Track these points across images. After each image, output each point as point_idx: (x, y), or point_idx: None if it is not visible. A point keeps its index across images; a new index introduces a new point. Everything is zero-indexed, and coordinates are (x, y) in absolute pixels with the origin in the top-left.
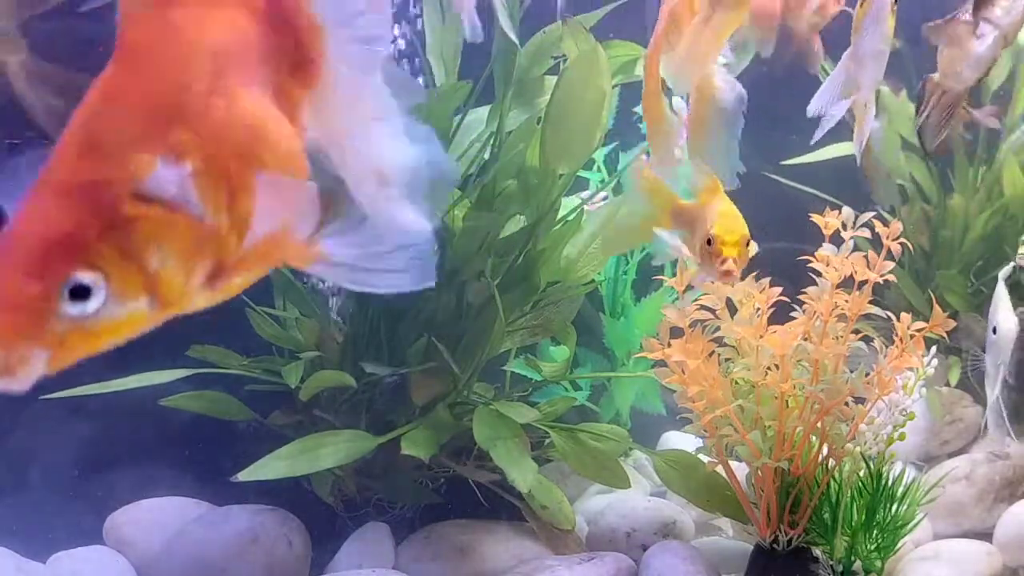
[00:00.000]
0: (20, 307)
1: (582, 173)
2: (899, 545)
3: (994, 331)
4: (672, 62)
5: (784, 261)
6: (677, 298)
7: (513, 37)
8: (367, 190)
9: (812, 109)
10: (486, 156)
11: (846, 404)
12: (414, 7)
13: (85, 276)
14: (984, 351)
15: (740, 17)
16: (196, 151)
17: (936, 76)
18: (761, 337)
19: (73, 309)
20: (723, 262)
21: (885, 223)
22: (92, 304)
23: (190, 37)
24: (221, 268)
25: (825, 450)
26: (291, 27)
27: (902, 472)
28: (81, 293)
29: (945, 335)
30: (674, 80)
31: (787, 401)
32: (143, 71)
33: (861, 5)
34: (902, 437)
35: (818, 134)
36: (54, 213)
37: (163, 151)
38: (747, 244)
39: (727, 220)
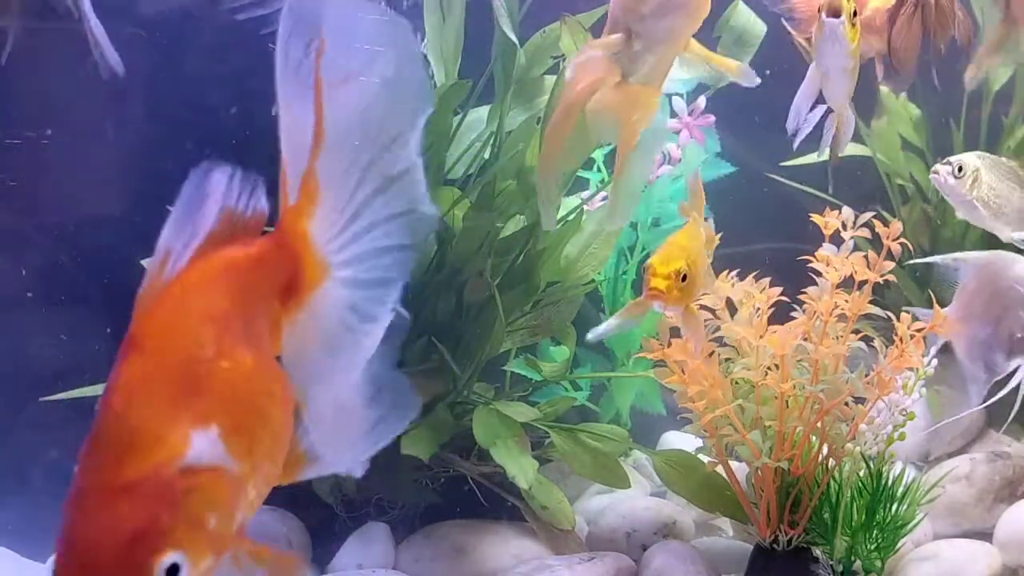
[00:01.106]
0: None
1: (582, 173)
2: (899, 545)
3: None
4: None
5: (784, 261)
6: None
7: (513, 37)
8: (321, 421)
9: (789, 125)
10: (486, 156)
11: (846, 404)
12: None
13: (174, 556)
14: None
15: (654, 103)
16: (218, 414)
17: None
18: (761, 337)
19: None
20: (648, 290)
21: (885, 223)
22: None
23: (196, 308)
24: (248, 508)
25: (825, 450)
26: (293, 256)
27: (902, 472)
28: (172, 573)
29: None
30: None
31: (787, 401)
32: (159, 354)
33: (816, 25)
34: (902, 437)
35: (795, 143)
36: (119, 512)
37: (193, 423)
38: (682, 279)
39: (669, 250)
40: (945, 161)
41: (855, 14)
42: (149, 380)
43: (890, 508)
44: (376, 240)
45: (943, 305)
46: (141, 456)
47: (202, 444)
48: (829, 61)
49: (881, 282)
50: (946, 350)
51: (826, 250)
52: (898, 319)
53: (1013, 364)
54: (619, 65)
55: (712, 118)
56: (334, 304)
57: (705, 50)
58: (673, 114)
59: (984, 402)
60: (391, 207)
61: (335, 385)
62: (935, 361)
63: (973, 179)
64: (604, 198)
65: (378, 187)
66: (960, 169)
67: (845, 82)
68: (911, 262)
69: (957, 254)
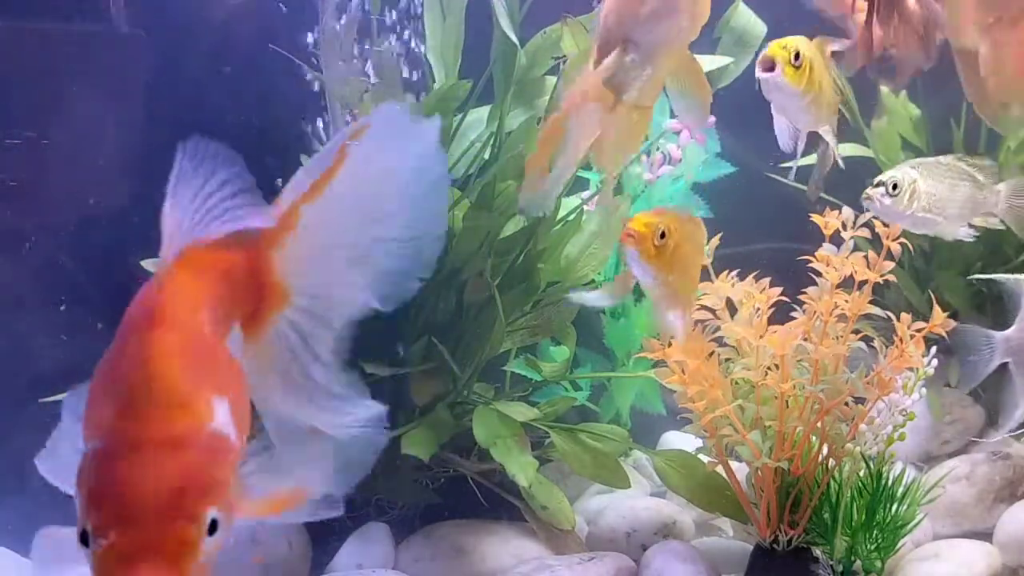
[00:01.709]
0: (179, 554)
1: (582, 173)
2: (899, 545)
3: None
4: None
5: (784, 261)
6: None
7: (513, 38)
8: (282, 435)
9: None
10: (486, 156)
11: (846, 404)
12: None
13: (215, 511)
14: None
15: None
16: (225, 390)
17: None
18: (761, 337)
19: (209, 544)
20: (624, 232)
21: (885, 223)
22: (219, 537)
23: (197, 295)
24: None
25: (825, 450)
26: (258, 285)
27: (902, 472)
28: (213, 528)
29: (945, 335)
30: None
31: (787, 401)
32: (181, 329)
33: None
34: (902, 437)
35: (790, 175)
36: (167, 465)
37: (213, 393)
38: (661, 235)
39: (648, 212)
40: (877, 182)
41: (796, 56)
42: (178, 350)
43: (890, 508)
44: (340, 292)
45: (945, 308)
46: (180, 415)
47: (220, 412)
48: (784, 105)
49: (881, 282)
50: (1002, 368)
51: (826, 250)
52: (898, 319)
53: None
54: (612, 85)
55: (712, 118)
56: (290, 333)
57: (698, 65)
58: (673, 114)
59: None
60: (367, 273)
61: (287, 414)
62: (935, 361)
63: (910, 193)
64: None
65: (360, 255)
66: (895, 187)
67: (809, 116)
68: (973, 277)
69: (1021, 276)
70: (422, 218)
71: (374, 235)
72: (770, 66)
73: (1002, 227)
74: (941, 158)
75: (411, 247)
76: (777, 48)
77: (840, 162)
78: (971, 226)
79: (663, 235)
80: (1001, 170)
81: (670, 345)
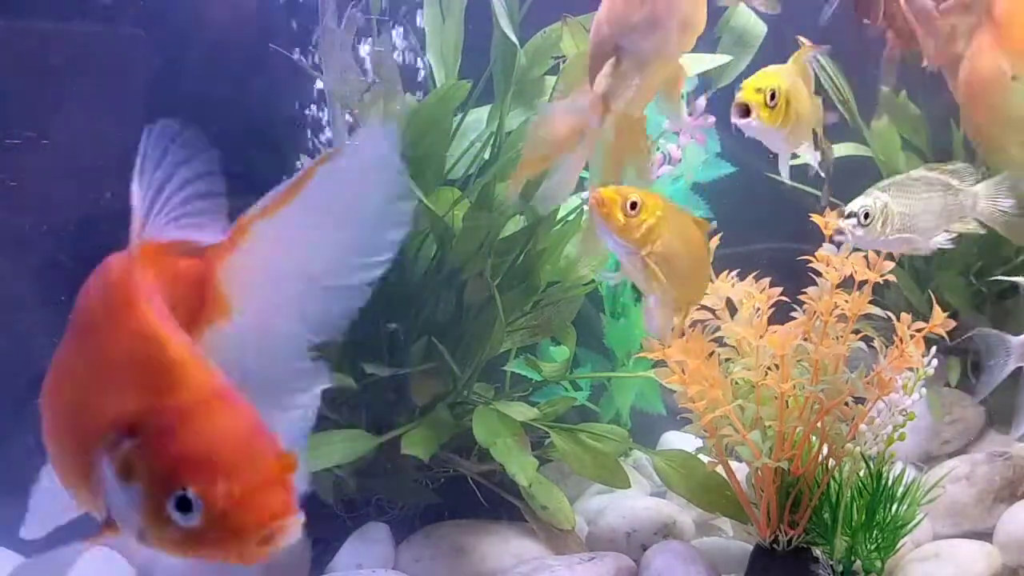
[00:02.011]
0: (290, 483)
1: (582, 173)
2: (899, 545)
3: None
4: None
5: (784, 261)
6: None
7: (513, 38)
8: None
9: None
10: (486, 156)
11: (846, 404)
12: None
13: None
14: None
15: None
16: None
17: None
18: (761, 337)
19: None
20: (592, 195)
21: None
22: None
23: (153, 281)
24: None
25: (825, 450)
26: (202, 293)
27: (902, 472)
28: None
29: (945, 335)
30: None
31: (787, 401)
32: (156, 305)
33: None
34: (902, 437)
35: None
36: (233, 411)
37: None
38: (631, 206)
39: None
40: (848, 213)
41: (772, 95)
42: (166, 321)
43: (890, 508)
44: (284, 314)
45: (945, 308)
46: (207, 373)
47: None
48: (763, 139)
49: (881, 282)
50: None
51: (826, 250)
52: (898, 319)
53: None
54: (606, 96)
55: (712, 119)
56: (231, 345)
57: (679, 76)
58: None
59: None
60: (311, 303)
61: None
62: (935, 361)
63: (883, 219)
64: None
65: (309, 280)
66: (867, 216)
67: (789, 144)
68: (994, 278)
69: None
70: (376, 245)
71: (324, 262)
72: (745, 111)
73: (982, 231)
74: (912, 172)
75: (357, 272)
76: (750, 92)
77: (821, 172)
78: (949, 231)
79: (633, 205)
80: None
81: (670, 345)
